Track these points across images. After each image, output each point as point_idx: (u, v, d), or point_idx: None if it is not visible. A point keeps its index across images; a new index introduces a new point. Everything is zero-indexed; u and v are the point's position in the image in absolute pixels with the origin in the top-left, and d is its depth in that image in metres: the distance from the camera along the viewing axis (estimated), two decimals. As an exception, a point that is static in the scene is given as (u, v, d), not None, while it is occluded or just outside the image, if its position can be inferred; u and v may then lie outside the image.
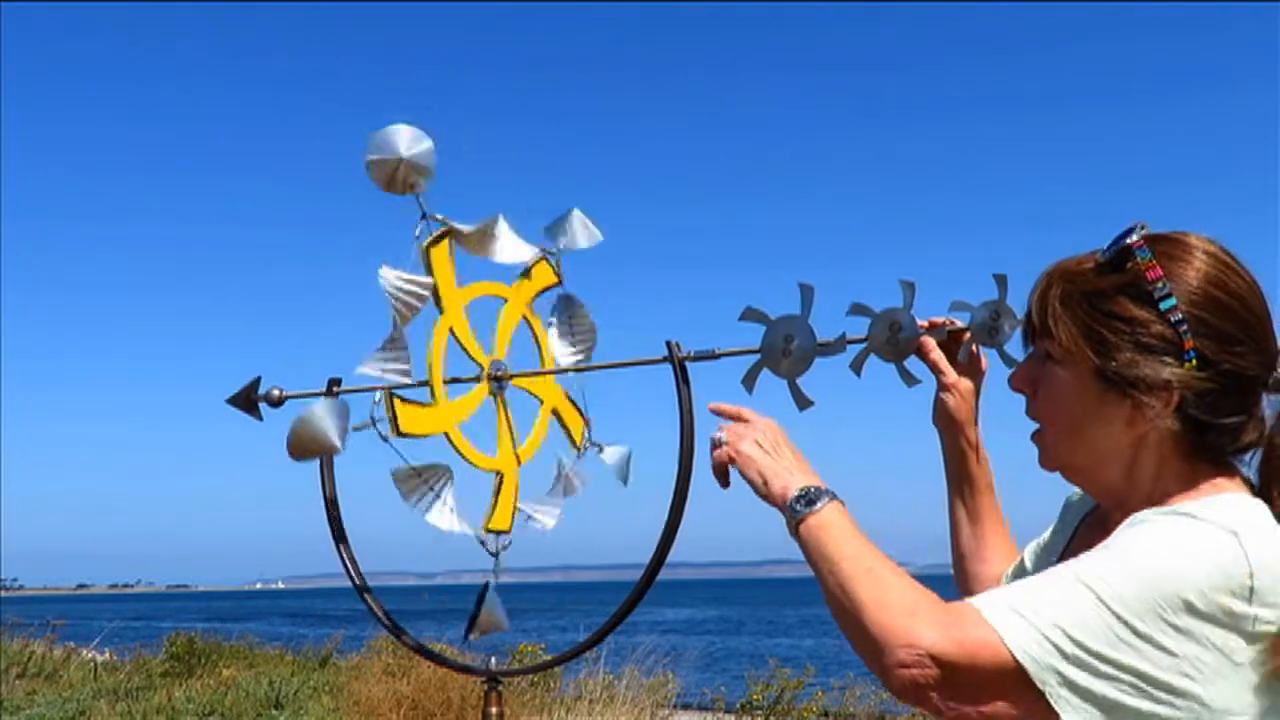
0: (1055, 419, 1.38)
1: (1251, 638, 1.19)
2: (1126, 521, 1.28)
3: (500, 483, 2.12)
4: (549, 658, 2.96)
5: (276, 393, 2.32)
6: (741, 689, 10.91)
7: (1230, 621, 1.18)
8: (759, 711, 10.15)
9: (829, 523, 1.35)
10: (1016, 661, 1.17)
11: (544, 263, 2.21)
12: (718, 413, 1.61)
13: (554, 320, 2.23)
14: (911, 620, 1.19)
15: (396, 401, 1.96)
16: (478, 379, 2.11)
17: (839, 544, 1.32)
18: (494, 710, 2.16)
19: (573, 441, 2.25)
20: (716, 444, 1.54)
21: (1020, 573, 1.62)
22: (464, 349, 2.10)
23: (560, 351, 2.22)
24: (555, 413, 2.22)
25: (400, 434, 1.97)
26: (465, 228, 2.07)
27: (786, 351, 1.91)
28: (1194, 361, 1.28)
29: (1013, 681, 1.17)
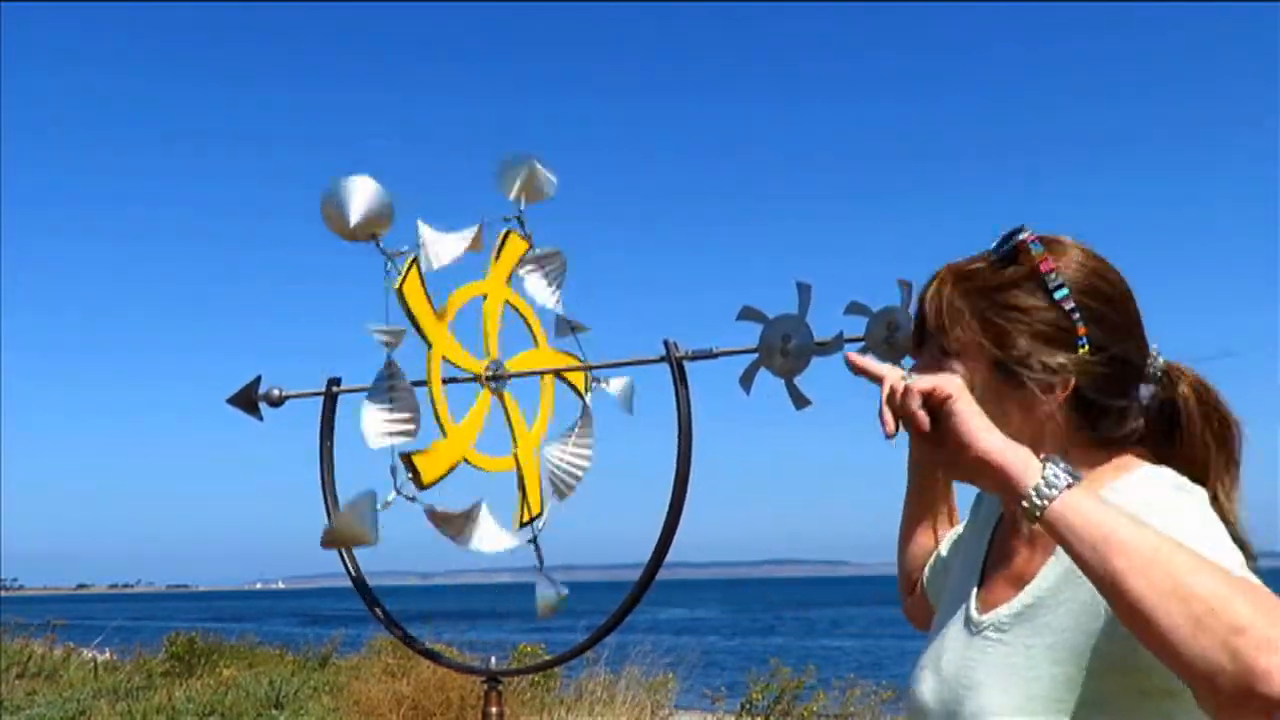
0: None
1: None
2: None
3: (521, 475, 2.14)
4: (549, 658, 2.96)
5: (276, 392, 2.33)
6: (742, 689, 10.90)
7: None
8: (759, 712, 10.14)
9: (1098, 504, 1.13)
10: None
11: (512, 235, 2.18)
12: (858, 367, 1.29)
13: (526, 262, 2.20)
14: None
15: (414, 458, 1.96)
16: (476, 379, 2.12)
17: (1138, 529, 1.10)
18: (494, 710, 2.17)
19: (578, 391, 2.26)
20: (905, 392, 1.23)
21: (937, 563, 1.72)
22: (459, 368, 2.10)
23: (539, 291, 2.22)
24: (557, 375, 2.23)
25: (426, 486, 1.98)
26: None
27: (784, 350, 1.91)
28: (1086, 347, 1.35)
29: None
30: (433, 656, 2.57)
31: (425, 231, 2.02)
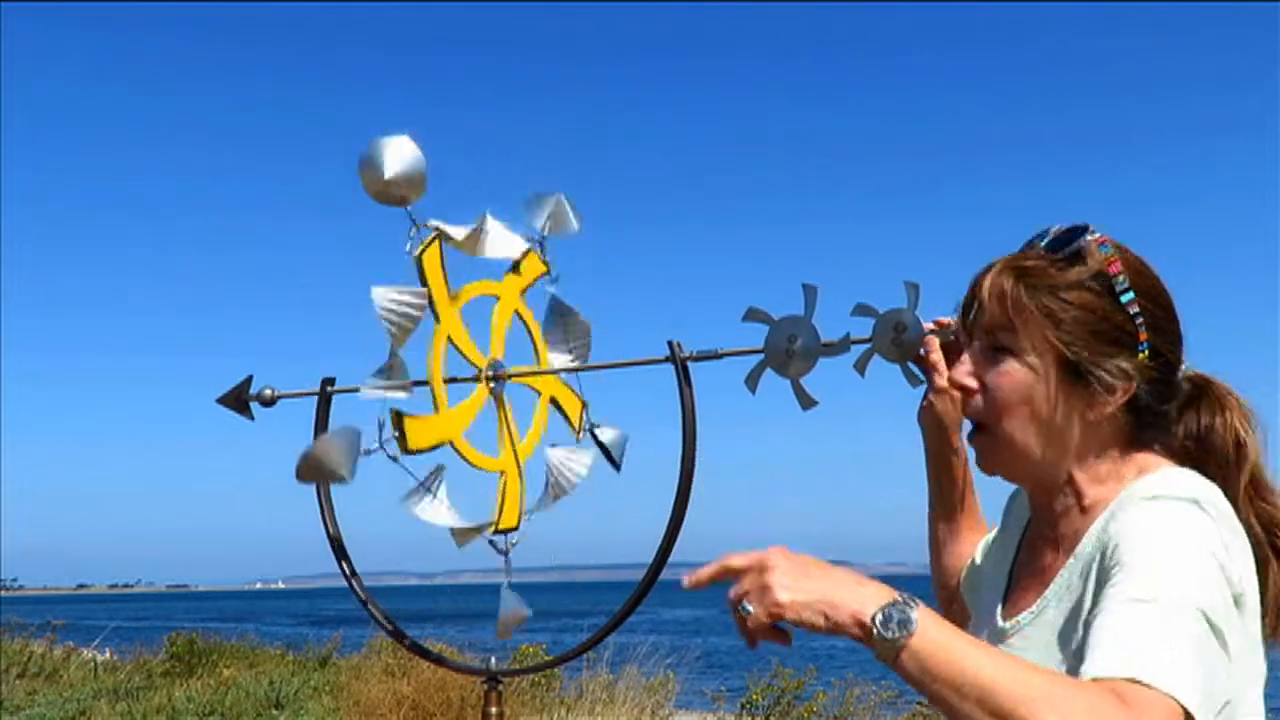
0: (1013, 411, 1.38)
1: (1232, 600, 1.22)
2: (1107, 530, 1.29)
3: (505, 482, 2.10)
4: (549, 658, 2.96)
5: (269, 392, 2.31)
6: (741, 689, 10.90)
7: (1227, 583, 1.21)
8: (759, 712, 10.15)
9: (938, 641, 1.12)
10: None
11: (532, 254, 2.18)
12: (699, 585, 1.27)
13: (548, 332, 2.20)
14: None
15: (406, 418, 1.93)
16: (476, 379, 2.10)
17: (963, 662, 1.11)
18: (494, 710, 2.16)
19: (571, 426, 2.22)
20: (742, 611, 1.21)
21: (972, 570, 1.68)
22: (462, 354, 2.08)
23: (558, 361, 2.20)
24: (553, 400, 2.20)
25: (409, 451, 1.94)
26: (457, 232, 2.04)
27: (790, 351, 1.90)
28: (1146, 352, 1.35)
29: None
30: (432, 657, 2.56)
31: (491, 223, 2.06)
